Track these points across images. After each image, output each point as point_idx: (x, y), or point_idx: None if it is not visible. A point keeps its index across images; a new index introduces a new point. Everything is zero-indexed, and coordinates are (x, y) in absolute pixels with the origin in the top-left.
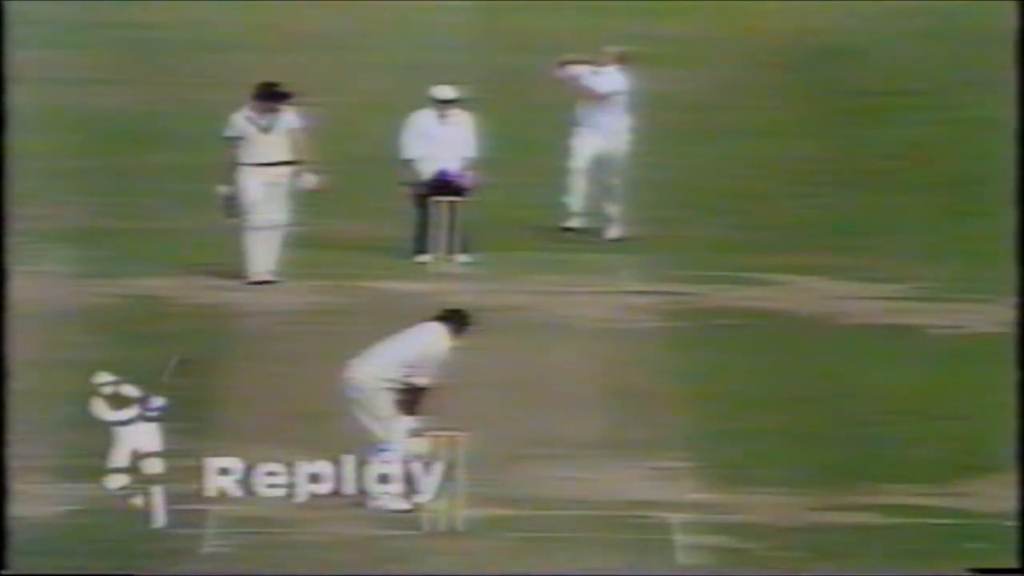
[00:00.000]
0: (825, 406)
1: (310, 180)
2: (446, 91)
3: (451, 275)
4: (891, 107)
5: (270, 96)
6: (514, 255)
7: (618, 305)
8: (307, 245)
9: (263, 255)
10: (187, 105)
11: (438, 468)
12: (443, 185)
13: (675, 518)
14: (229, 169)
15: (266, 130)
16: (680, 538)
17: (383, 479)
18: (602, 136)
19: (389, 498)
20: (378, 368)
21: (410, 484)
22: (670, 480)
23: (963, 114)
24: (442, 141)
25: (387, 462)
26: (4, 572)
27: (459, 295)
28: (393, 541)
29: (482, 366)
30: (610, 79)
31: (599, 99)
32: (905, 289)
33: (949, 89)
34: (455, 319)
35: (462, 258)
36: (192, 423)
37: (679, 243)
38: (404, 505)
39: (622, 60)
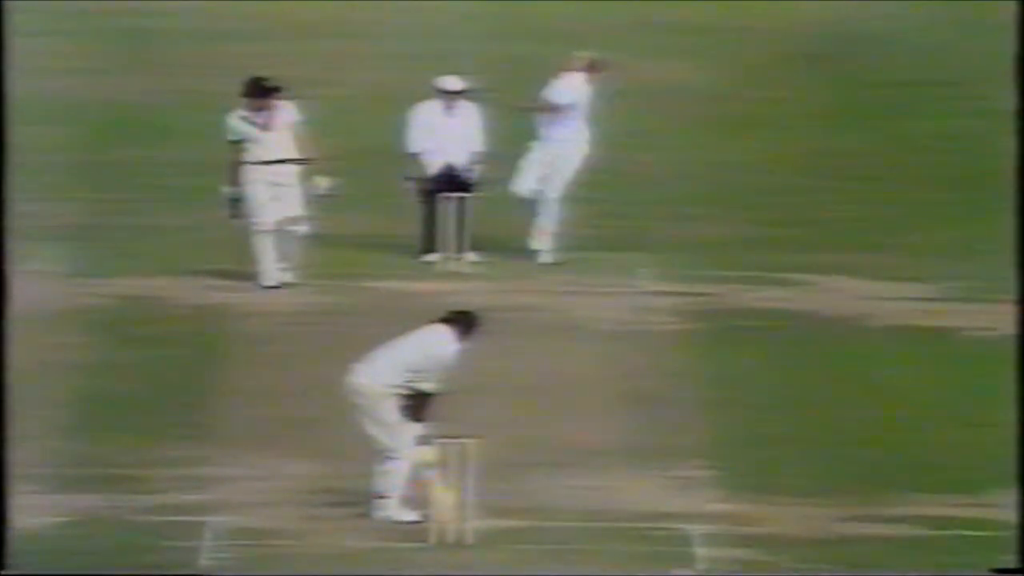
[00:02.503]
0: (853, 412)
1: (322, 183)
2: (452, 82)
3: (459, 274)
4: (922, 98)
5: (258, 92)
6: (526, 253)
7: (635, 306)
8: (308, 243)
9: (275, 258)
10: (186, 96)
11: (447, 477)
12: (450, 180)
13: (696, 529)
14: (233, 169)
15: (265, 127)
16: (701, 550)
17: (389, 489)
18: (555, 149)
19: (395, 509)
20: (381, 373)
21: (416, 494)
22: (690, 489)
23: (996, 106)
24: (448, 134)
25: (393, 471)
26: (4, 572)
27: (468, 295)
28: (399, 553)
29: (492, 370)
30: (571, 88)
31: (556, 110)
32: (937, 289)
33: (982, 80)
34: (462, 321)
35: (471, 256)
36: (190, 429)
37: (699, 241)
38: (411, 516)
39: (591, 68)
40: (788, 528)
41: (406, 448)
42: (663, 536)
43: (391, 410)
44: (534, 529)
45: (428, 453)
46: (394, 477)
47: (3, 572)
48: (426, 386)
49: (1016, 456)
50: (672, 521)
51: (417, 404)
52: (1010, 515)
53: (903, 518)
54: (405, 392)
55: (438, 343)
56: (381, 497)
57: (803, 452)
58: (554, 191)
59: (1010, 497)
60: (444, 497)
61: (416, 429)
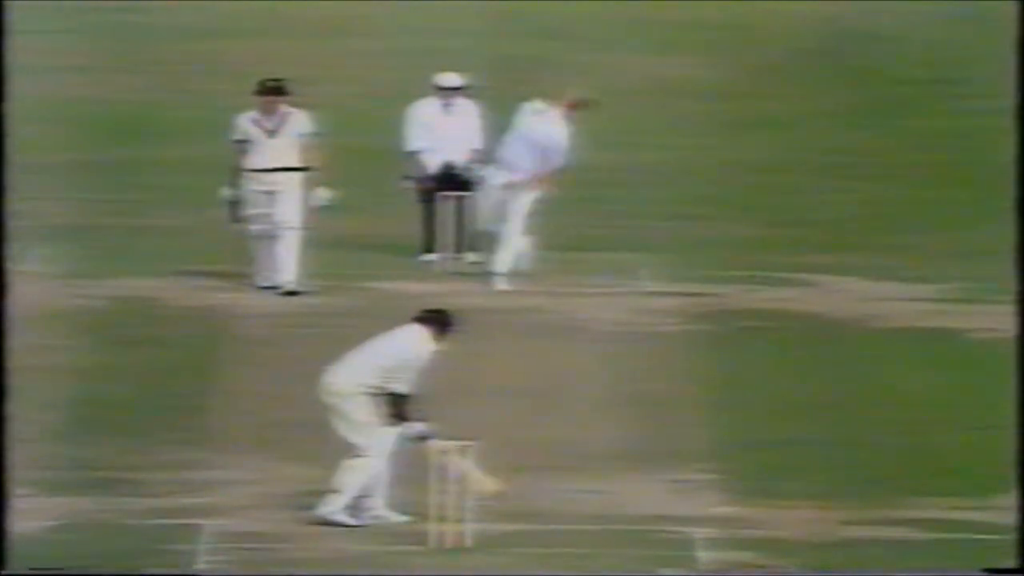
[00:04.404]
0: (858, 414)
1: (323, 195)
2: (451, 79)
3: (459, 274)
4: (930, 96)
5: (266, 91)
6: (527, 254)
7: (637, 307)
8: (306, 244)
9: (270, 262)
10: (185, 95)
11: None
12: (449, 179)
13: (698, 533)
14: (233, 172)
15: (272, 133)
16: (703, 554)
17: (344, 487)
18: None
19: (341, 509)
20: (355, 372)
21: (382, 497)
22: (693, 493)
23: (1005, 103)
24: (447, 132)
25: (353, 470)
26: (4, 572)
27: (467, 296)
28: (397, 557)
29: (493, 371)
30: (553, 126)
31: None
32: (943, 290)
33: (988, 77)
34: (437, 321)
35: (471, 257)
36: (187, 432)
37: (701, 241)
38: (353, 520)
39: (575, 107)
40: (792, 532)
41: (373, 449)
42: (665, 539)
43: (362, 409)
44: (534, 533)
45: (447, 447)
46: (352, 476)
47: (2, 572)
48: (398, 387)
49: (1016, 459)
50: (674, 524)
51: (393, 404)
52: (1012, 518)
53: (906, 521)
54: (377, 392)
55: (412, 343)
56: (334, 492)
57: (808, 455)
58: (514, 226)
59: (1012, 500)
60: (477, 478)
61: (391, 431)
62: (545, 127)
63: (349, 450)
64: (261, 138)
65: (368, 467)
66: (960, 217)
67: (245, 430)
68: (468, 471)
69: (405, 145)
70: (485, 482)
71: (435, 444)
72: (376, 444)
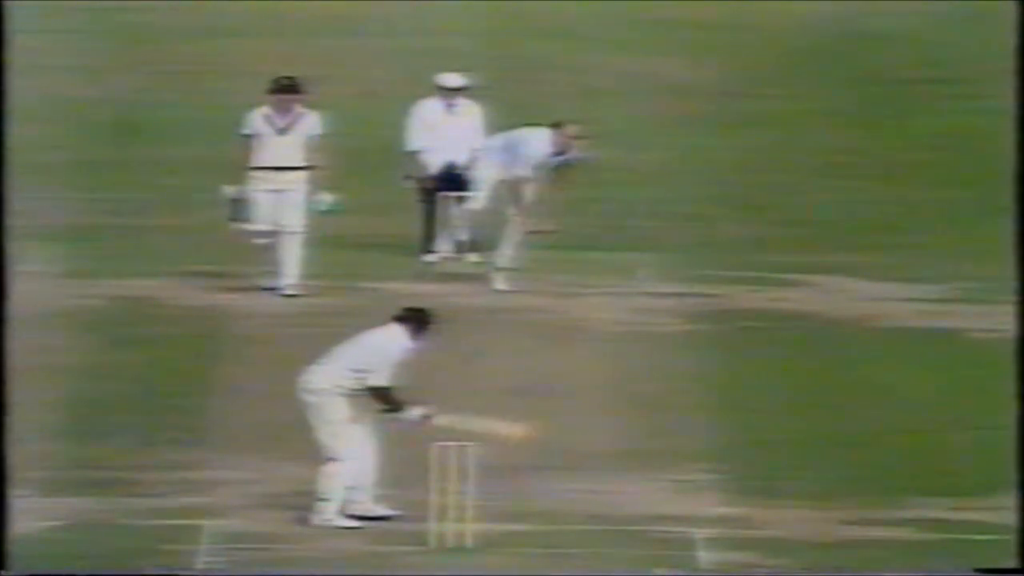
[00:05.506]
0: (858, 414)
1: (326, 199)
2: (453, 79)
3: (460, 275)
4: (928, 96)
5: (283, 90)
6: (527, 254)
7: (637, 307)
8: (306, 243)
9: (272, 263)
10: (186, 95)
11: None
12: (451, 179)
13: (699, 533)
14: (238, 170)
15: (282, 132)
16: (704, 554)
17: (329, 492)
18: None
19: (334, 513)
20: (331, 372)
21: (368, 493)
22: (693, 493)
23: (1003, 103)
24: (449, 132)
25: (334, 473)
26: (3, 572)
27: (468, 296)
28: (398, 557)
29: (493, 371)
30: (552, 148)
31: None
32: (943, 290)
33: (989, 77)
34: (415, 319)
35: (471, 257)
36: (187, 432)
37: (700, 241)
38: (348, 523)
39: (575, 138)
40: (792, 531)
41: (348, 451)
42: (665, 539)
43: (338, 409)
44: (535, 533)
45: (452, 422)
46: (335, 480)
47: (2, 573)
48: (377, 381)
49: (1016, 458)
50: (675, 524)
51: (381, 399)
52: (1012, 518)
53: (906, 521)
54: (354, 392)
55: (387, 341)
56: (322, 500)
57: (806, 455)
58: (514, 226)
59: (1012, 500)
60: (502, 428)
61: (400, 416)
62: (545, 148)
63: (324, 454)
64: (270, 135)
65: (346, 470)
66: (960, 217)
67: (245, 430)
68: (491, 425)
69: (406, 145)
70: (513, 428)
71: (439, 421)
72: (352, 446)
